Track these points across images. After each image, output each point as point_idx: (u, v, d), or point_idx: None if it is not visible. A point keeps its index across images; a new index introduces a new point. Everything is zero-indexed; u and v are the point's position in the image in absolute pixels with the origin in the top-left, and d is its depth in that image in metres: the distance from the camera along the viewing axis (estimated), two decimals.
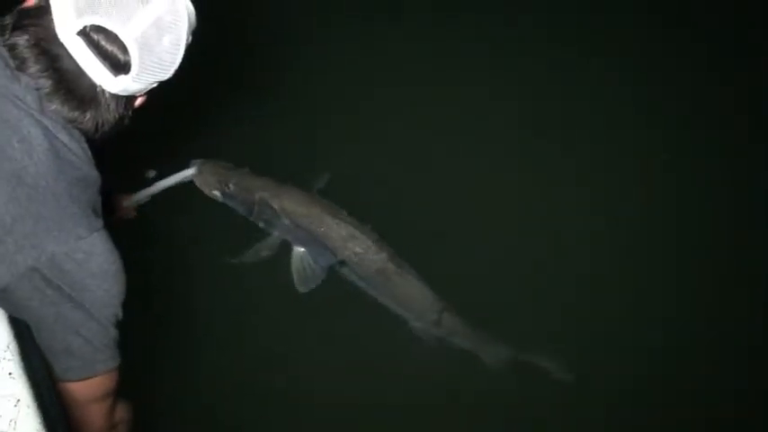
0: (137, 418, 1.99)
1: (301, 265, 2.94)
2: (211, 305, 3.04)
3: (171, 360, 2.82)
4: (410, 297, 2.93)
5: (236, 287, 3.07)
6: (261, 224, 2.99)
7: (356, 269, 2.93)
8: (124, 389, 1.80)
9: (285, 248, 3.00)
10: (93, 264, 1.53)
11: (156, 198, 2.85)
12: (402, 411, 2.83)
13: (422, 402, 2.85)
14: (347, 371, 2.91)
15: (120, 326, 1.63)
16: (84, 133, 1.57)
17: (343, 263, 2.92)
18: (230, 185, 2.93)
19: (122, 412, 1.87)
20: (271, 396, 2.85)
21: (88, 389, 1.66)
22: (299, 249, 2.96)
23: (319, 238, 2.90)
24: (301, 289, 2.94)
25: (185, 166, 2.89)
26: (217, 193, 2.95)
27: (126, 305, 1.63)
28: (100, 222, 1.56)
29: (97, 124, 1.54)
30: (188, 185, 2.92)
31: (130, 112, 1.62)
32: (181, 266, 3.06)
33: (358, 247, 2.88)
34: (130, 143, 2.85)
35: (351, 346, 2.97)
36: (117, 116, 1.56)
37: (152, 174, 2.91)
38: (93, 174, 1.57)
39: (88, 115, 1.53)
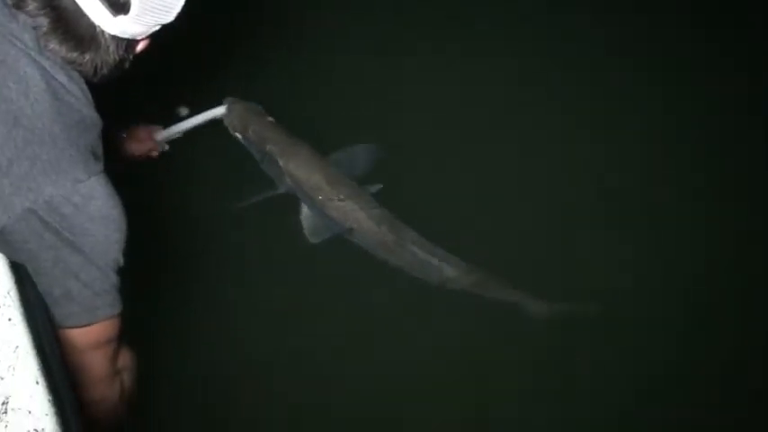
0: (142, 367, 1.96)
1: (310, 220, 2.92)
2: (220, 253, 3.03)
3: (178, 309, 2.80)
4: (421, 267, 2.88)
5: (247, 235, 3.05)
6: (270, 174, 2.98)
7: (360, 240, 2.90)
8: (131, 337, 1.79)
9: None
10: (93, 208, 1.50)
11: (187, 135, 2.85)
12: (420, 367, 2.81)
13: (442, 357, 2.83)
14: (359, 322, 2.89)
15: (122, 272, 1.61)
16: (84, 75, 1.53)
17: (349, 231, 2.88)
18: (251, 131, 2.92)
19: (126, 360, 1.84)
20: (282, 348, 2.84)
21: (89, 335, 1.64)
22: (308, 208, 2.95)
23: (318, 206, 2.88)
24: (313, 240, 2.91)
25: (217, 104, 2.89)
26: (239, 135, 2.95)
27: (132, 251, 1.60)
28: (99, 166, 1.53)
29: (96, 66, 1.51)
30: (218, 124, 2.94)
31: (131, 56, 1.58)
32: (189, 212, 3.06)
33: (359, 220, 2.85)
34: (163, 82, 2.89)
35: (364, 297, 2.95)
36: (116, 59, 1.53)
37: (184, 111, 2.93)
38: (93, 116, 1.53)
39: (87, 57, 1.50)
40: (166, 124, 2.84)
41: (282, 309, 2.90)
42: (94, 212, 1.50)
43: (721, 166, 3.30)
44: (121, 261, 1.60)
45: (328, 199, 2.85)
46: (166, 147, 2.86)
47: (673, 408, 2.73)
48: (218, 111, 2.88)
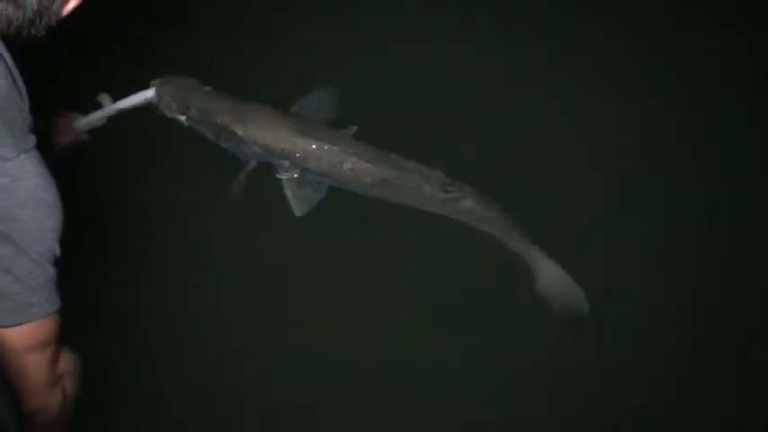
0: (89, 371, 1.80)
1: (292, 188, 2.69)
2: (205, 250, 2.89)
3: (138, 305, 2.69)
4: (429, 198, 2.69)
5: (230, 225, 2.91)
6: (232, 150, 2.73)
7: (354, 184, 2.69)
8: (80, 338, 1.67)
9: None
10: (22, 190, 1.35)
11: (112, 122, 2.61)
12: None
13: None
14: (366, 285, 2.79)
15: (59, 264, 1.45)
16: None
17: (333, 179, 2.68)
18: (193, 108, 2.65)
19: (67, 364, 1.68)
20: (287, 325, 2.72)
21: (23, 336, 1.48)
22: (285, 173, 2.70)
23: (296, 162, 2.65)
24: (299, 212, 2.70)
25: (144, 87, 2.64)
26: (180, 116, 2.68)
27: (64, 243, 1.45)
28: (30, 142, 1.37)
29: (10, 21, 1.34)
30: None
31: (52, 14, 1.40)
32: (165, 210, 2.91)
33: (352, 163, 2.64)
34: (88, 66, 2.70)
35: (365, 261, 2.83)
36: (35, 10, 1.35)
37: (105, 99, 2.62)
38: (15, 86, 1.37)
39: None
40: (87, 112, 2.61)
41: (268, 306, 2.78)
42: (24, 195, 1.36)
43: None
44: (58, 251, 1.45)
45: (307, 152, 2.63)
46: (85, 136, 2.61)
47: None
48: (147, 94, 2.61)
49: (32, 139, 1.39)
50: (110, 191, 2.90)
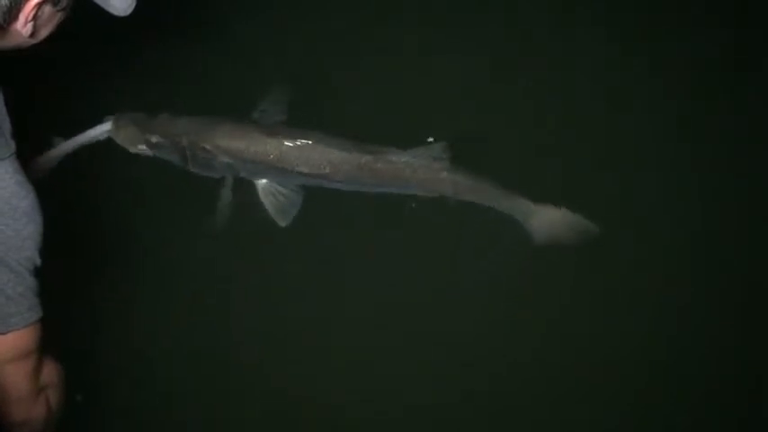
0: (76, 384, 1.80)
1: (271, 196, 2.66)
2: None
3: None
4: (417, 183, 2.65)
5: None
6: (201, 171, 2.69)
7: (338, 180, 2.65)
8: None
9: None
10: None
11: (66, 162, 2.55)
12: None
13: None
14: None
15: (40, 274, 1.44)
16: None
17: (310, 175, 2.63)
18: (154, 135, 2.61)
19: (51, 375, 1.65)
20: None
21: (4, 346, 1.46)
22: (262, 181, 2.66)
23: (272, 166, 2.61)
24: (282, 222, 2.66)
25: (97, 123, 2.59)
26: (142, 146, 2.64)
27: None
28: (7, 150, 1.36)
29: None
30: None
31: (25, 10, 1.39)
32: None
33: (331, 159, 2.60)
34: (32, 110, 2.64)
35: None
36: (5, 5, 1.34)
37: (59, 141, 2.56)
38: None
39: None
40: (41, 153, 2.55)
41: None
42: (1, 204, 1.34)
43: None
44: (38, 261, 1.44)
45: (282, 155, 2.59)
46: (40, 176, 2.47)
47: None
48: (102, 129, 2.57)
49: (12, 145, 1.37)
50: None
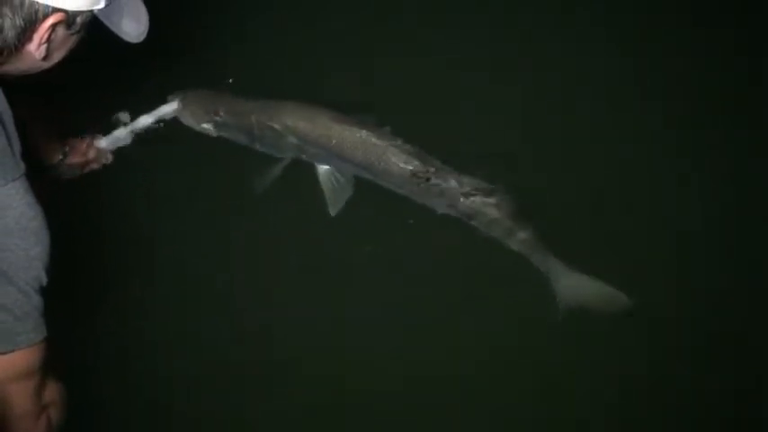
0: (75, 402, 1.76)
1: (330, 183, 2.64)
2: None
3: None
4: (459, 204, 2.59)
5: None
6: (267, 149, 2.66)
7: (385, 178, 2.62)
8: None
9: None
10: (9, 219, 1.34)
11: (136, 140, 2.54)
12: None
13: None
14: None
15: (45, 293, 1.42)
16: None
17: (366, 168, 2.61)
18: (221, 113, 2.60)
19: (53, 393, 1.64)
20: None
21: (8, 366, 1.46)
22: (324, 167, 2.65)
23: (335, 152, 2.59)
24: (333, 211, 2.64)
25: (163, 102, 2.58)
26: (208, 125, 2.63)
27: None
28: (18, 170, 1.35)
29: None
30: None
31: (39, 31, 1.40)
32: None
33: (385, 155, 2.56)
34: (99, 89, 2.64)
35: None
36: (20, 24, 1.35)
37: (125, 117, 2.56)
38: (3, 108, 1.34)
39: None
40: (106, 132, 2.55)
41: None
42: (12, 224, 1.34)
43: None
44: (45, 280, 1.43)
45: (344, 139, 2.56)
46: (110, 157, 2.57)
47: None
48: (168, 108, 2.56)
49: (22, 166, 1.37)
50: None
